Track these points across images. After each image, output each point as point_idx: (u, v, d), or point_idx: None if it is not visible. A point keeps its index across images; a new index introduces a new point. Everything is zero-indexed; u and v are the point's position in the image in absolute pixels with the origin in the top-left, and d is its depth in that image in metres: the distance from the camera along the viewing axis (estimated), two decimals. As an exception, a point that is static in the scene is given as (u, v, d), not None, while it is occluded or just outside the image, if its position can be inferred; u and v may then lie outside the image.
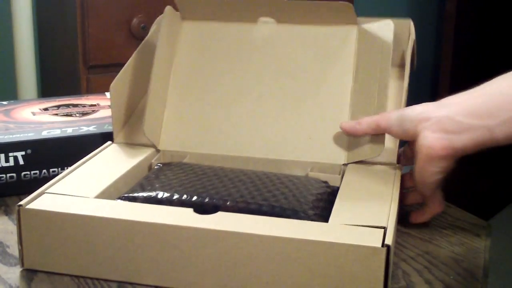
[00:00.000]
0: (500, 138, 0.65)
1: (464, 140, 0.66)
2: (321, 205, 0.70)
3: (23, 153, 0.85)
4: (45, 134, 0.87)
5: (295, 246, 0.61)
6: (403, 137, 0.74)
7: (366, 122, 0.77)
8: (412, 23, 0.86)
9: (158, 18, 0.92)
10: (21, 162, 0.85)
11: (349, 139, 0.81)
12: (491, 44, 2.50)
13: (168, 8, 0.88)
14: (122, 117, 0.87)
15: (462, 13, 2.34)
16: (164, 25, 0.86)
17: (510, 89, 0.65)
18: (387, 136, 0.81)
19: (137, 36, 1.52)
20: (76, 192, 0.70)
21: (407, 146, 0.80)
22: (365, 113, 0.82)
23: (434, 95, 2.41)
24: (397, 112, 0.74)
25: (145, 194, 0.72)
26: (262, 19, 0.88)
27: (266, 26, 0.88)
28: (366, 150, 0.79)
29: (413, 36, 0.87)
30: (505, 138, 0.64)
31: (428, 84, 2.48)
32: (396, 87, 0.86)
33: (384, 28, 0.83)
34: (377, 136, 0.78)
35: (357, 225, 0.63)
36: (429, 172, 0.69)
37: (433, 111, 0.70)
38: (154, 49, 0.87)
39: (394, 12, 2.35)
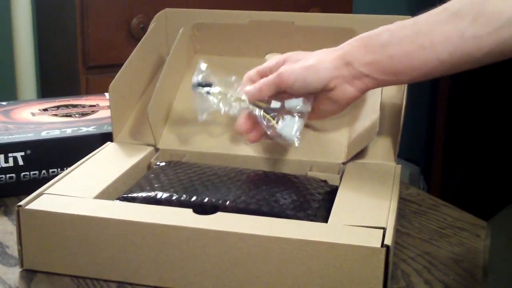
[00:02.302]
0: (409, 82, 0.76)
1: (380, 86, 0.75)
2: (320, 205, 0.70)
3: (22, 153, 0.85)
4: (45, 134, 0.87)
5: (295, 246, 0.61)
6: (304, 93, 0.76)
7: (266, 87, 0.77)
8: None
9: (156, 16, 0.93)
10: (21, 162, 0.85)
11: (348, 138, 0.81)
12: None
13: (182, 31, 0.89)
14: (122, 118, 0.87)
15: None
16: (179, 43, 0.88)
17: (413, 51, 0.69)
18: (386, 137, 0.81)
19: (137, 36, 1.52)
20: (76, 193, 0.70)
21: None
22: (363, 113, 0.82)
23: (433, 90, 2.41)
24: (299, 75, 0.75)
25: (144, 194, 0.72)
26: (270, 55, 0.90)
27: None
28: (362, 139, 0.79)
29: None
30: (413, 81, 0.73)
31: (427, 80, 2.48)
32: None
33: None
34: (372, 122, 0.78)
35: (356, 226, 0.63)
36: (345, 108, 0.78)
37: (343, 69, 0.73)
38: (152, 48, 0.87)
39: (393, 9, 2.35)
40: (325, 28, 0.89)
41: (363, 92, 0.74)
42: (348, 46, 0.74)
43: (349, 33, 0.85)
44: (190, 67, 0.93)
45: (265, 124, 0.77)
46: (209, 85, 0.79)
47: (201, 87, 0.79)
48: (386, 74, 0.71)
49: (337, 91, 0.74)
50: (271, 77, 0.76)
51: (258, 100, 0.77)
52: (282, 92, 0.76)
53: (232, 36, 0.92)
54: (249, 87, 0.78)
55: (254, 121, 0.78)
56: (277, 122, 0.76)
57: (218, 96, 0.78)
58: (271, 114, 0.76)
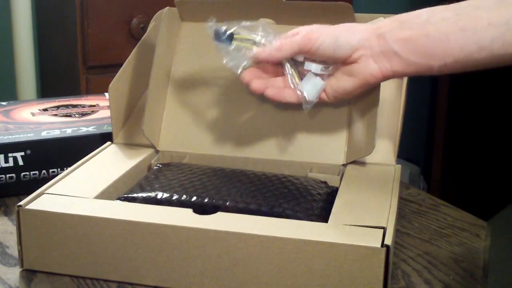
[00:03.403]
0: (436, 72, 0.69)
1: (405, 72, 0.70)
2: (320, 206, 0.70)
3: (22, 153, 0.85)
4: (45, 134, 0.87)
5: (295, 246, 0.61)
6: (329, 59, 0.72)
7: (287, 46, 0.72)
8: None
9: (156, 15, 0.92)
10: (21, 162, 0.85)
11: (348, 139, 0.81)
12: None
13: (167, 9, 0.88)
14: (121, 117, 0.87)
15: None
16: (164, 26, 0.86)
17: (452, 32, 0.66)
18: (386, 137, 0.81)
19: (137, 36, 1.52)
20: (76, 193, 0.70)
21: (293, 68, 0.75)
22: (363, 112, 0.82)
23: (434, 90, 2.41)
24: (329, 35, 0.71)
25: (144, 194, 0.72)
26: (262, 20, 0.88)
27: (266, 27, 0.88)
28: (362, 149, 0.79)
29: None
30: (441, 72, 0.68)
31: (427, 80, 2.48)
32: (395, 81, 0.85)
33: None
34: (370, 134, 0.78)
35: (356, 225, 0.63)
36: (360, 92, 0.74)
37: (374, 41, 0.70)
38: (152, 48, 0.87)
39: (393, 9, 2.35)
40: (318, 4, 0.86)
41: (385, 76, 0.70)
42: (383, 21, 0.71)
43: (345, 7, 0.84)
44: (179, 37, 0.90)
45: (289, 78, 0.74)
46: (232, 34, 0.74)
47: (227, 40, 0.74)
48: (417, 55, 0.68)
49: (360, 65, 0.71)
50: (296, 36, 0.72)
51: (273, 61, 0.74)
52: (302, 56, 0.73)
53: (219, 7, 0.89)
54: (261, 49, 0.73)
55: (263, 71, 0.75)
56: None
57: (247, 43, 0.74)
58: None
